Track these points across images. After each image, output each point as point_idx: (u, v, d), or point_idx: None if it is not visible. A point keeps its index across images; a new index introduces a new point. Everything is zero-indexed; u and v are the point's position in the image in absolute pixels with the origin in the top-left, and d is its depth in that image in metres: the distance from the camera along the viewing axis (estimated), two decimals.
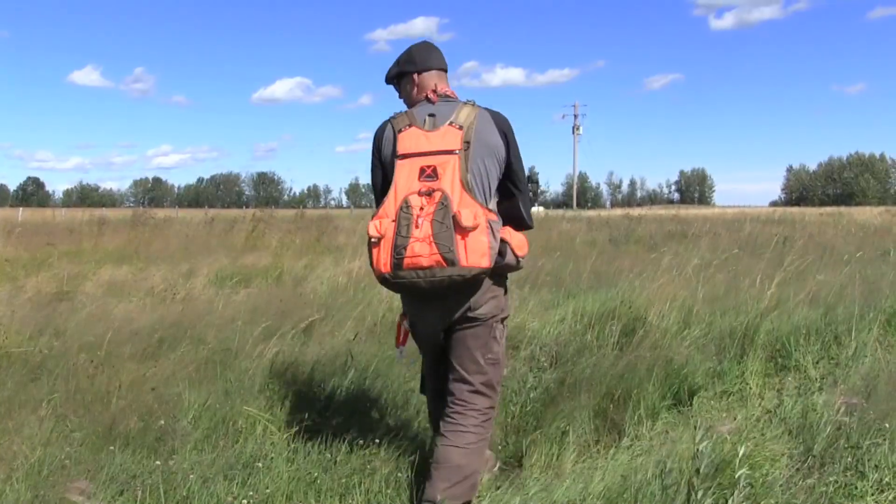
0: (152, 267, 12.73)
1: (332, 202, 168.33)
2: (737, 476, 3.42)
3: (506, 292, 3.93)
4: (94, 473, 4.10)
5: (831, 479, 4.13)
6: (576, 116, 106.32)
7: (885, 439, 4.60)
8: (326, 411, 5.20)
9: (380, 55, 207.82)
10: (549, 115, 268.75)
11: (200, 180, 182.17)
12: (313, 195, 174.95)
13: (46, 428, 4.68)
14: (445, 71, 3.92)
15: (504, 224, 3.70)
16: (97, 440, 4.62)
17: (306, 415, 4.95)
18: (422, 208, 3.39)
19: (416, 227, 3.36)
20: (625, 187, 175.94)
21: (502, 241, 3.59)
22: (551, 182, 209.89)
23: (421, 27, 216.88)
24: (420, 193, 3.43)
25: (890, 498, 4.22)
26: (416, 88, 3.86)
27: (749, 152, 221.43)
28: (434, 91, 3.78)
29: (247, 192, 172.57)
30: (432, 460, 3.72)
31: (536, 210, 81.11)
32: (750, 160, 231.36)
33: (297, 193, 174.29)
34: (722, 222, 31.42)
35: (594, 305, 8.38)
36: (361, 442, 4.53)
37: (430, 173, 3.45)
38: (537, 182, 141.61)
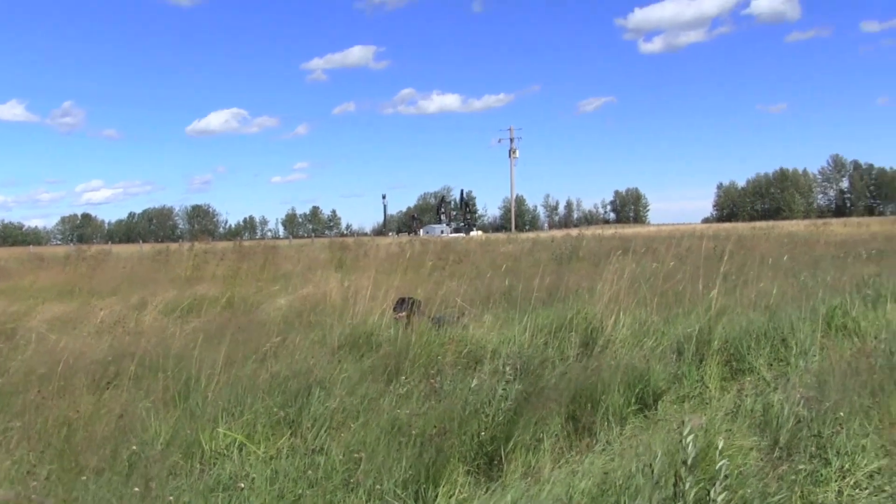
0: (96, 301, 12.52)
1: (269, 233, 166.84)
2: (717, 467, 3.57)
3: None
4: None
5: (800, 467, 4.31)
6: (512, 140, 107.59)
7: (842, 427, 4.83)
8: (300, 429, 5.22)
9: (317, 84, 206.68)
10: (486, 139, 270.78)
11: (132, 215, 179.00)
12: (249, 227, 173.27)
13: (4, 467, 4.60)
14: None
15: None
16: (65, 472, 4.56)
17: (282, 434, 4.98)
18: None
19: None
20: (561, 209, 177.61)
21: None
22: (488, 206, 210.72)
23: (357, 56, 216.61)
24: None
25: (852, 483, 4.44)
26: None
27: (681, 171, 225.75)
28: None
29: (181, 226, 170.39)
30: None
31: (476, 234, 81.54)
32: (682, 179, 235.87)
33: (233, 225, 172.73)
34: (660, 238, 31.98)
35: (550, 319, 8.56)
36: (341, 457, 4.58)
37: None
38: (474, 207, 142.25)
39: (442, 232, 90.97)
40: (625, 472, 4.00)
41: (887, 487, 4.54)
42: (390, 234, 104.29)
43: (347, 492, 4.20)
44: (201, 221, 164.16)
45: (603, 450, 5.06)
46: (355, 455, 4.60)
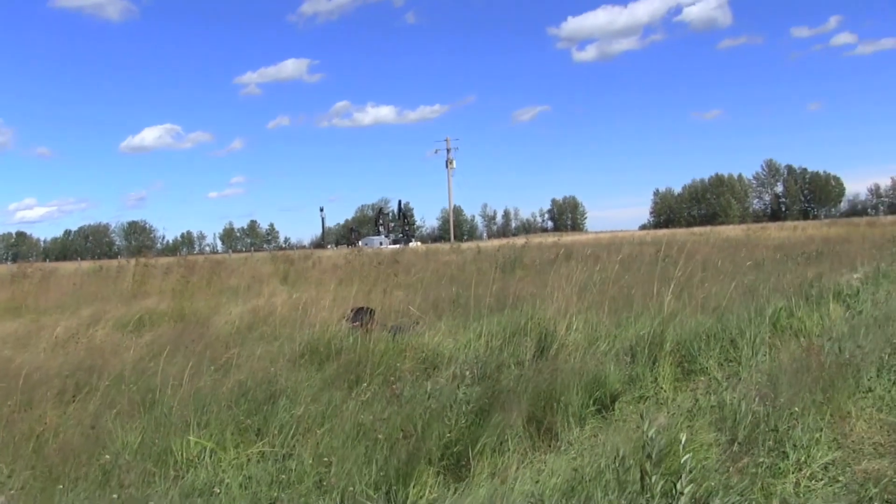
0: (46, 318, 12.29)
1: (207, 248, 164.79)
2: (682, 461, 3.66)
3: None
4: None
5: (760, 460, 4.44)
6: (448, 151, 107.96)
7: (797, 422, 4.99)
8: (268, 436, 5.22)
9: (251, 99, 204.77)
10: (422, 151, 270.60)
11: (68, 233, 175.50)
12: (187, 241, 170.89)
13: None
14: None
15: None
16: (38, 482, 4.53)
17: (250, 442, 4.97)
18: None
19: None
20: (499, 218, 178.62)
21: None
22: (426, 217, 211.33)
23: (291, 69, 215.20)
24: None
25: (808, 475, 4.60)
26: None
27: (617, 178, 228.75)
28: None
29: (118, 243, 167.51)
30: None
31: (415, 244, 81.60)
32: (618, 186, 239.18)
33: (171, 241, 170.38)
34: (601, 245, 32.46)
35: (503, 325, 8.66)
36: (311, 462, 4.59)
37: None
38: (412, 218, 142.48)
39: (381, 244, 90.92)
40: (593, 469, 4.08)
41: (841, 478, 4.71)
42: (329, 246, 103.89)
43: (321, 494, 4.24)
44: (138, 238, 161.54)
45: (565, 449, 5.15)
46: (325, 459, 4.63)
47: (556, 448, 5.21)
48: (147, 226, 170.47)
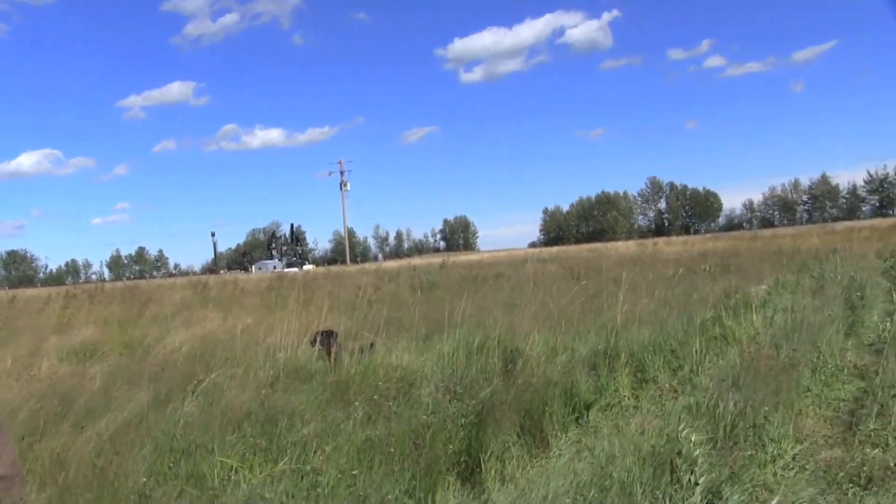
0: None
1: (94, 276, 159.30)
2: (694, 455, 4.18)
3: None
4: None
5: (748, 453, 5.01)
6: (342, 173, 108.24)
7: (766, 420, 5.61)
8: (282, 456, 5.49)
9: (135, 122, 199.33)
10: (312, 173, 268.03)
11: None
12: (72, 270, 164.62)
13: None
14: None
15: None
16: None
17: (268, 460, 5.25)
18: None
19: None
20: (392, 239, 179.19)
21: None
22: (319, 239, 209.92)
23: (176, 92, 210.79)
24: None
25: (781, 465, 5.21)
26: None
27: (506, 197, 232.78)
28: None
29: None
30: None
31: (309, 267, 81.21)
32: (508, 205, 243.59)
33: (54, 270, 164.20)
34: (501, 265, 33.27)
35: (457, 344, 9.06)
36: (338, 475, 4.91)
37: None
38: (304, 241, 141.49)
39: (275, 267, 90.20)
40: (623, 463, 4.55)
41: (808, 466, 5.35)
42: (221, 271, 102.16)
43: (359, 503, 4.54)
44: (19, 268, 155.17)
45: (559, 454, 5.61)
46: (352, 473, 4.94)
47: (550, 454, 5.67)
48: (28, 254, 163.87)
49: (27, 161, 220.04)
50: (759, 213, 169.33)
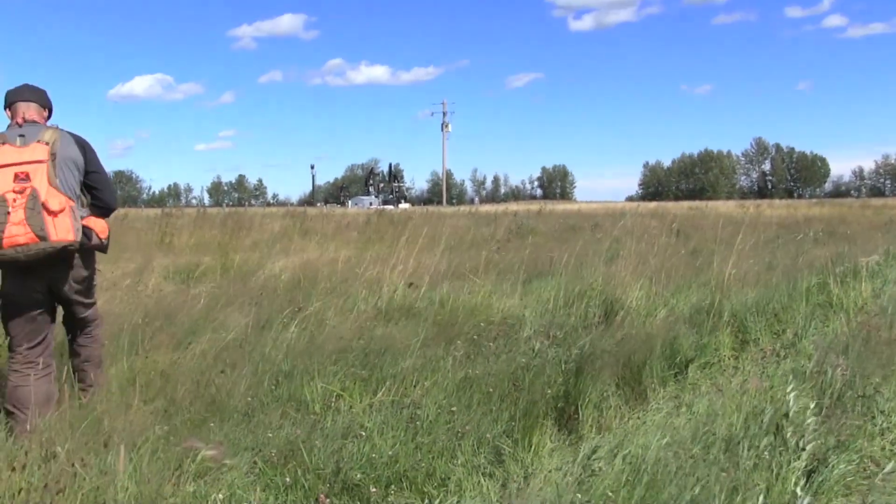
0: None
1: (194, 200, 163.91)
2: (804, 419, 4.11)
3: (94, 263, 5.10)
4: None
5: (855, 422, 4.90)
6: (444, 114, 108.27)
7: (876, 391, 5.47)
8: (382, 387, 5.62)
9: (244, 52, 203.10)
10: (414, 112, 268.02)
11: None
12: (174, 194, 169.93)
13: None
14: (37, 102, 5.01)
15: (97, 213, 5.00)
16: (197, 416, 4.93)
17: (368, 391, 5.40)
18: (14, 201, 4.33)
19: (11, 214, 4.29)
20: (489, 184, 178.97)
21: (88, 227, 4.77)
22: (416, 179, 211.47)
23: (287, 24, 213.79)
24: (14, 192, 4.36)
25: (891, 438, 5.07)
26: (10, 117, 4.92)
27: (607, 149, 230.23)
28: (22, 118, 4.85)
29: None
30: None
31: (405, 206, 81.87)
32: (608, 157, 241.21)
33: (157, 192, 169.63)
34: (599, 216, 32.88)
35: (556, 290, 9.06)
36: (436, 410, 5.00)
37: (23, 177, 4.42)
38: (402, 179, 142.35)
39: (371, 204, 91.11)
40: (725, 423, 4.52)
41: None
42: (318, 204, 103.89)
43: (457, 439, 4.62)
44: (124, 188, 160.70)
45: (657, 408, 5.59)
46: (450, 409, 5.02)
47: (648, 407, 5.66)
48: (133, 175, 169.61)
49: (140, 84, 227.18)
50: (868, 182, 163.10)
